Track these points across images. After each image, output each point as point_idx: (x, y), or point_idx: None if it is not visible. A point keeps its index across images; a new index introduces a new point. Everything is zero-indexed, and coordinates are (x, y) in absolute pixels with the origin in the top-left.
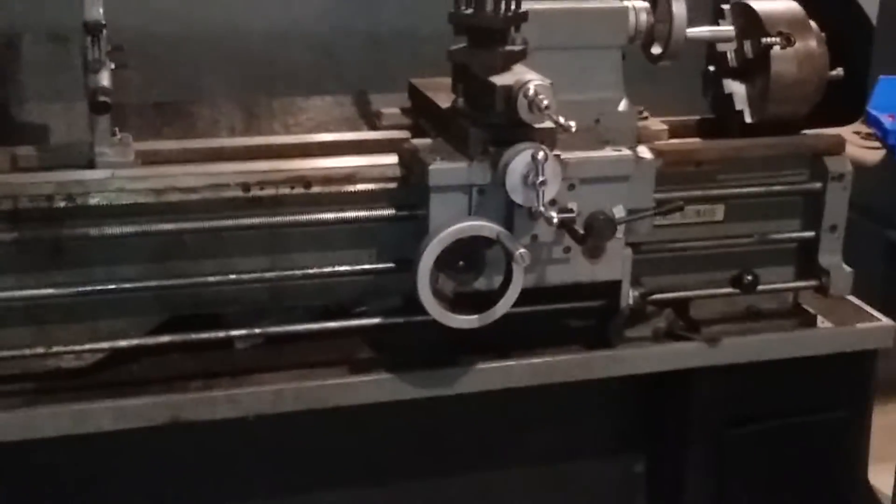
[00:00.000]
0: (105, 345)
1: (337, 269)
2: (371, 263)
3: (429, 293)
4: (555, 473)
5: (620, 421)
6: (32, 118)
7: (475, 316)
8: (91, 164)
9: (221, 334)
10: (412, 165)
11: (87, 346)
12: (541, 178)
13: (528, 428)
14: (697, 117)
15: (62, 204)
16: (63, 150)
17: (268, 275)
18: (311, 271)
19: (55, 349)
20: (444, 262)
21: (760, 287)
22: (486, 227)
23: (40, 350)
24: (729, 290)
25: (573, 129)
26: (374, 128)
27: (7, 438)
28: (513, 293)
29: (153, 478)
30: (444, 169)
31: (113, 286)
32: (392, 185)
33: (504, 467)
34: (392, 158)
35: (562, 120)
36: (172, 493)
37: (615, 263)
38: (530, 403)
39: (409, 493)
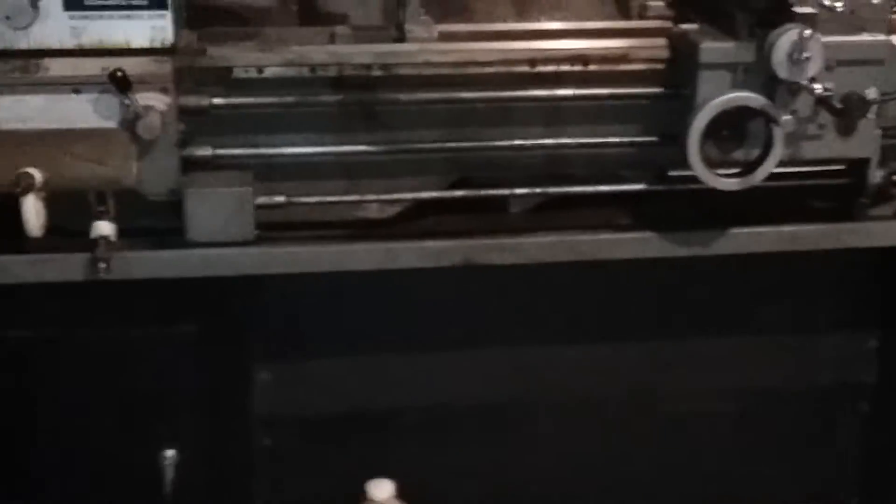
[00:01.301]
0: (410, 195)
1: (608, 140)
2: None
3: (697, 155)
4: (788, 344)
5: (856, 297)
6: (331, 7)
7: (737, 179)
8: (400, 40)
9: (506, 192)
10: (681, 47)
11: (396, 196)
12: (805, 55)
13: (765, 298)
14: None
15: (378, 73)
16: (372, 30)
17: (546, 142)
18: (584, 140)
19: (368, 197)
20: (710, 130)
21: None
22: (752, 97)
23: (356, 197)
24: None
25: (838, 9)
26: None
27: (328, 269)
28: (773, 160)
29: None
30: (714, 48)
31: (417, 146)
32: (660, 66)
33: (738, 334)
34: (660, 41)
35: (826, 1)
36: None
37: (866, 141)
38: (769, 274)
39: (636, 351)
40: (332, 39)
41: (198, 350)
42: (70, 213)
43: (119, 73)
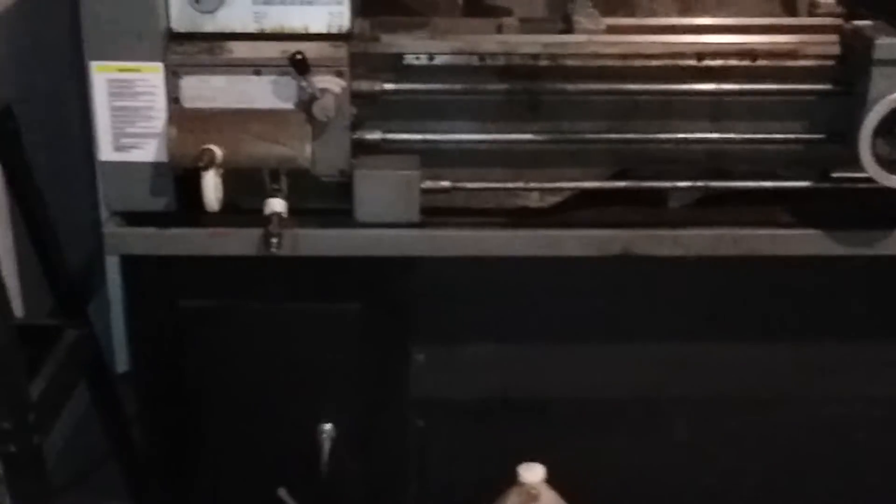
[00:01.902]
0: (573, 185)
1: (774, 136)
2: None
3: (868, 152)
4: None
5: None
6: (498, 1)
7: None
8: (568, 32)
9: (668, 184)
10: (854, 43)
11: (559, 185)
12: None
13: None
14: None
15: (545, 63)
16: (537, 22)
17: (711, 136)
18: (750, 136)
19: (532, 185)
20: (882, 128)
21: None
22: None
23: (520, 184)
24: None
25: None
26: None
27: (491, 254)
28: None
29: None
30: (890, 44)
31: (580, 136)
32: (830, 63)
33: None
34: (831, 38)
35: None
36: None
37: None
38: None
39: (787, 351)
40: (500, 30)
41: (359, 328)
42: (243, 191)
43: (299, 56)
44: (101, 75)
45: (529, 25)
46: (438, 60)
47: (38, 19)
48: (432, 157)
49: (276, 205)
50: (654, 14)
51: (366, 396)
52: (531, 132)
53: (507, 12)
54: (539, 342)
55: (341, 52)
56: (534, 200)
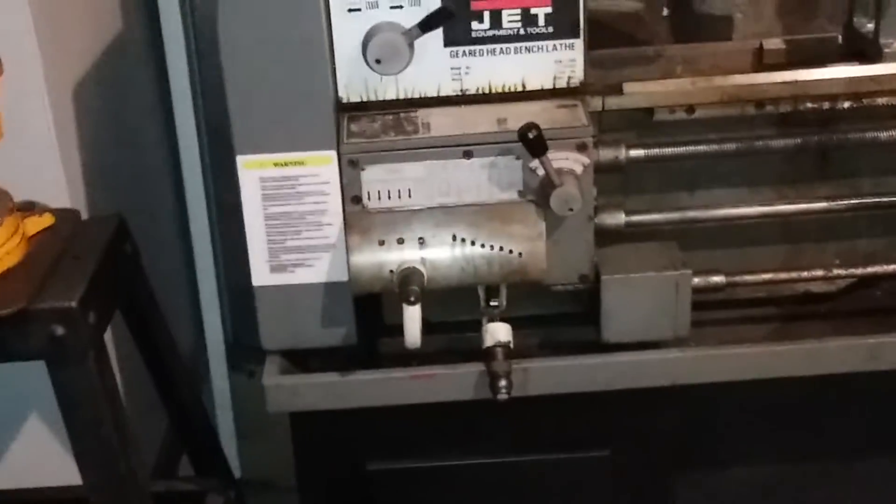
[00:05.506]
0: (890, 268)
1: None
2: None
3: None
4: None
5: None
6: (710, 9)
7: None
8: (872, 57)
9: None
10: None
11: (872, 270)
12: None
13: None
14: None
15: (846, 104)
16: (807, 43)
17: None
18: None
19: (837, 272)
20: None
21: None
22: None
23: (820, 273)
24: None
25: None
26: None
27: (787, 374)
28: None
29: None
30: None
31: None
32: None
33: None
34: None
35: None
36: None
37: None
38: None
39: None
40: (761, 57)
41: (609, 476)
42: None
43: (533, 133)
44: (252, 174)
45: (798, 47)
46: (700, 112)
47: (119, 96)
48: (685, 239)
49: (500, 332)
50: None
51: None
52: (821, 197)
53: (728, 21)
54: (814, 464)
55: (579, 115)
56: (819, 283)
